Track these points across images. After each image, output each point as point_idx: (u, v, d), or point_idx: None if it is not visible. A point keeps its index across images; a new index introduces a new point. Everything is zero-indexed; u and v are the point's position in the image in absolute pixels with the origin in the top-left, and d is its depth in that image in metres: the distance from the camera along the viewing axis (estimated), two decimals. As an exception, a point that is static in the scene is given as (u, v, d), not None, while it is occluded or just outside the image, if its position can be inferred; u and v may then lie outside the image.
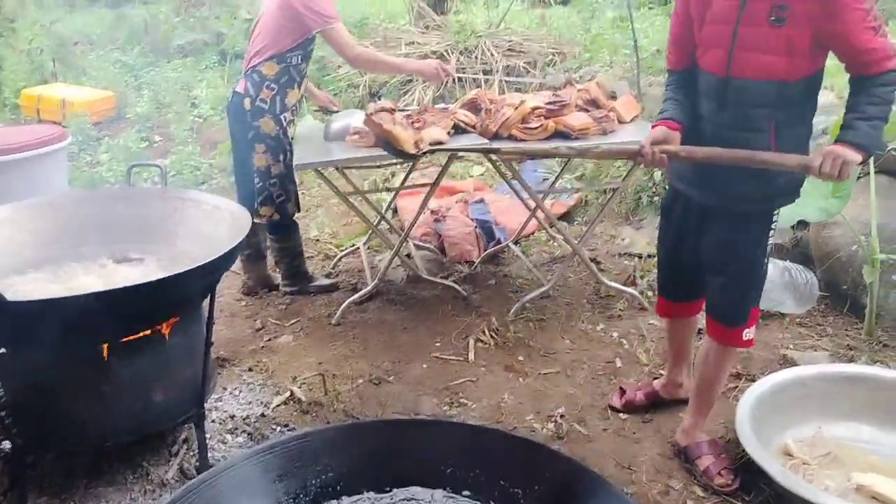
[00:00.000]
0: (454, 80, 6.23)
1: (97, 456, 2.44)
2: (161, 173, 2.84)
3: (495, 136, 3.35)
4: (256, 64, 3.43)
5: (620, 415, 2.82)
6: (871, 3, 1.99)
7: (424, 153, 3.07)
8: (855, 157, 1.99)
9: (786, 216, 3.16)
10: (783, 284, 3.38)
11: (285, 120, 3.50)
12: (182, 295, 2.14)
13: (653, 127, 2.31)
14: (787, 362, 3.05)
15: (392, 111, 3.06)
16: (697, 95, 2.28)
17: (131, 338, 2.17)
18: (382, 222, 4.26)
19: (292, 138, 3.55)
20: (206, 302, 2.40)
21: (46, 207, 2.67)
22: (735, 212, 2.27)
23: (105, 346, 2.15)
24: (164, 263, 2.48)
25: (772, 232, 2.29)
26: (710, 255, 2.36)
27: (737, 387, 2.92)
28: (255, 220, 3.60)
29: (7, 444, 2.41)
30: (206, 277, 2.20)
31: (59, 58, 8.17)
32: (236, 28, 8.68)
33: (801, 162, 2.06)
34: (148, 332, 2.19)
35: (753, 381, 2.80)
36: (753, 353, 3.16)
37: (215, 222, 2.56)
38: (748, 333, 2.37)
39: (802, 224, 3.45)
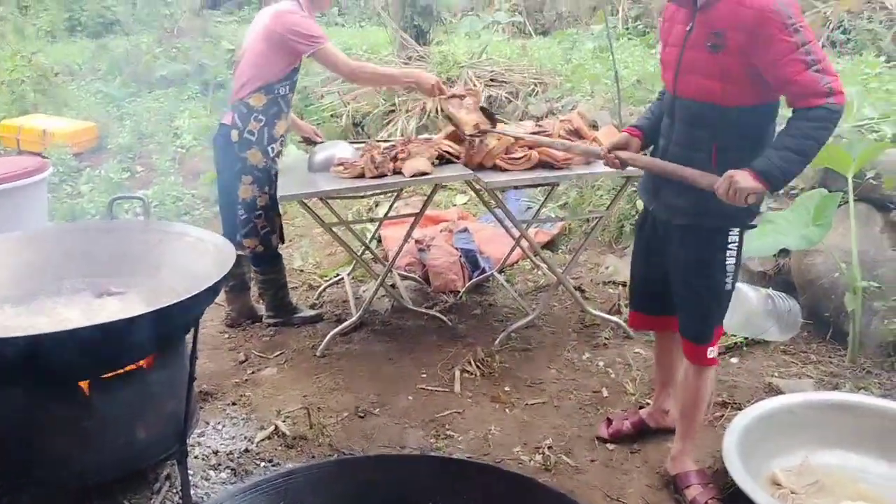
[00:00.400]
0: (423, 107, 6.28)
1: (78, 494, 2.39)
2: (144, 205, 2.81)
3: (479, 167, 3.37)
4: (244, 96, 3.43)
5: (608, 445, 2.80)
6: (807, 38, 2.02)
7: (480, 134, 3.33)
8: (752, 184, 2.07)
9: (767, 245, 3.21)
10: (766, 312, 3.39)
11: (273, 151, 3.50)
12: (165, 329, 2.10)
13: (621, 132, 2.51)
14: (773, 390, 3.06)
15: (462, 97, 3.42)
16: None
17: (113, 374, 2.13)
18: (367, 252, 4.26)
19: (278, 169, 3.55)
20: (190, 335, 2.37)
21: (27, 241, 2.64)
22: (690, 228, 2.32)
23: (86, 382, 2.11)
24: (147, 297, 2.44)
25: (730, 252, 2.31)
26: (672, 272, 2.43)
27: (723, 415, 2.92)
28: (239, 252, 3.59)
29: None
30: (189, 311, 2.17)
31: (41, 89, 8.13)
32: (218, 59, 8.70)
33: (710, 182, 2.15)
34: (130, 367, 2.16)
35: (740, 409, 2.80)
36: (739, 380, 3.17)
37: (199, 255, 2.53)
38: (711, 352, 2.40)
39: (784, 252, 3.48)
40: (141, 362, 2.18)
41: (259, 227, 3.55)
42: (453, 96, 3.42)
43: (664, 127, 2.38)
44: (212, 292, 2.21)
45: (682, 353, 2.65)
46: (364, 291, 4.18)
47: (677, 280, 2.41)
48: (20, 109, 7.99)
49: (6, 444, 2.20)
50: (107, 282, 2.57)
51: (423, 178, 3.30)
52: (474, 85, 6.45)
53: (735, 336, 3.43)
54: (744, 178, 2.07)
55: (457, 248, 4.42)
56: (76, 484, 2.23)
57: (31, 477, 2.23)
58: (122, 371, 2.15)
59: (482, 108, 3.49)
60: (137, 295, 2.47)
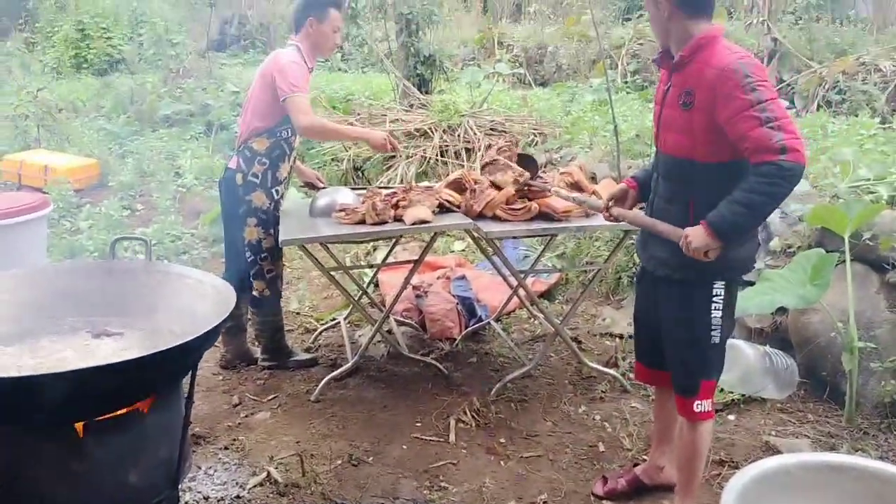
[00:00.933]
0: (423, 154, 6.36)
1: (63, 539, 2.34)
2: (146, 246, 2.82)
3: (479, 216, 3.39)
4: (248, 140, 3.48)
5: (604, 502, 2.77)
6: (764, 96, 2.09)
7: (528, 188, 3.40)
8: (705, 240, 2.17)
9: (764, 302, 3.22)
10: (764, 370, 3.39)
11: (277, 193, 3.54)
12: (164, 372, 2.09)
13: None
14: (770, 449, 3.04)
15: (495, 161, 3.54)
16: None
17: (108, 416, 2.11)
18: (364, 297, 4.26)
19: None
20: (186, 378, 2.36)
21: (26, 278, 2.64)
22: (673, 281, 2.37)
23: (81, 424, 2.08)
24: (145, 338, 2.44)
25: (715, 305, 2.33)
26: (663, 325, 2.46)
27: (720, 474, 2.90)
28: (251, 293, 3.60)
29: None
30: (188, 355, 2.16)
31: (45, 124, 8.19)
32: (223, 100, 8.81)
33: (677, 235, 2.26)
34: (126, 410, 2.14)
35: (737, 468, 2.78)
36: (736, 438, 3.15)
37: (199, 297, 2.53)
38: (699, 405, 2.40)
39: (782, 310, 3.50)
40: (138, 405, 2.16)
41: (265, 271, 3.58)
42: (488, 164, 3.51)
43: (653, 181, 2.47)
44: (211, 335, 2.20)
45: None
46: (360, 336, 4.17)
47: (665, 332, 2.46)
48: (22, 144, 8.05)
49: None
50: (105, 322, 2.56)
51: (423, 225, 3.32)
52: (474, 134, 6.54)
53: (732, 393, 3.42)
54: (697, 235, 2.18)
55: (454, 296, 4.42)
56: (64, 529, 2.18)
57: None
58: (117, 413, 2.12)
59: (521, 155, 3.56)
60: (135, 336, 2.46)
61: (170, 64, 10.50)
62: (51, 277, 2.69)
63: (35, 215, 4.38)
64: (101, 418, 2.12)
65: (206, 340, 2.18)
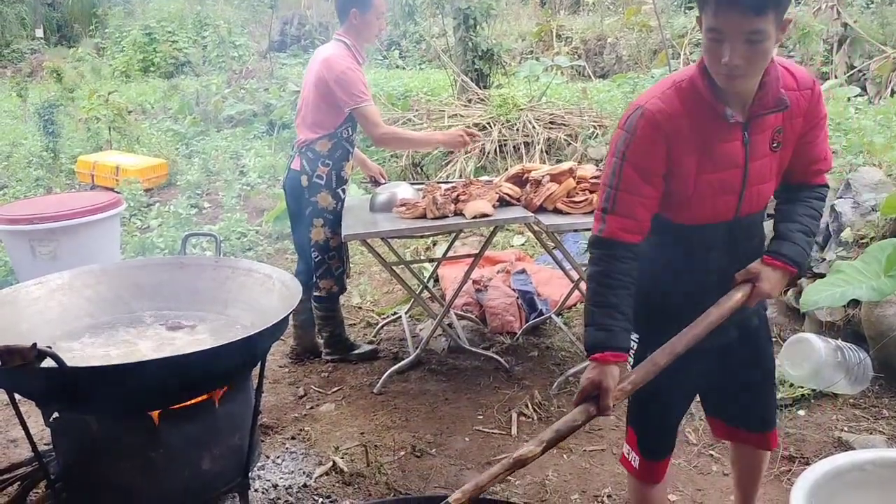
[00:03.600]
0: (482, 148, 6.35)
1: (141, 523, 2.44)
2: (215, 242, 2.91)
3: (540, 210, 3.38)
4: (310, 142, 3.52)
5: (671, 496, 2.73)
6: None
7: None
8: (783, 278, 1.90)
9: (836, 295, 3.12)
10: (835, 364, 3.29)
11: (343, 193, 3.59)
12: (236, 363, 2.16)
13: (602, 360, 1.81)
14: (843, 445, 2.95)
15: None
16: (680, 254, 1.95)
17: (183, 405, 2.19)
18: (424, 291, 4.29)
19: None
20: (256, 369, 2.43)
21: (102, 274, 2.75)
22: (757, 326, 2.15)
23: (156, 412, 2.17)
24: (216, 331, 2.52)
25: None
26: (740, 375, 2.18)
27: (790, 470, 2.83)
28: (316, 294, 3.67)
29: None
30: (259, 345, 2.23)
31: (115, 126, 8.49)
32: (284, 100, 8.96)
33: (745, 294, 1.89)
34: (200, 399, 2.22)
35: (807, 464, 2.71)
36: (806, 434, 3.07)
37: (266, 291, 2.61)
38: (627, 450, 2.21)
39: (854, 302, 3.39)
40: (210, 394, 2.23)
41: (334, 268, 3.65)
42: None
43: (714, 262, 1.94)
44: (281, 327, 2.26)
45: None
46: (421, 330, 4.21)
47: (742, 379, 2.21)
48: (95, 146, 8.36)
49: (75, 470, 2.27)
50: (178, 315, 2.66)
51: (484, 219, 3.33)
52: (533, 128, 6.51)
53: (802, 388, 3.33)
54: (774, 279, 1.88)
55: (514, 290, 4.42)
56: (142, 513, 2.28)
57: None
58: (191, 402, 2.20)
59: None
60: (207, 329, 2.55)
61: (233, 65, 10.77)
62: (127, 273, 2.80)
63: (109, 214, 4.55)
64: (175, 407, 2.20)
65: (276, 332, 2.24)
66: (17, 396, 2.16)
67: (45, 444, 2.59)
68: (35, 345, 1.87)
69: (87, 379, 1.92)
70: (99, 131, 8.57)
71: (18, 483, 2.60)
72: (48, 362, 1.89)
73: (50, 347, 1.91)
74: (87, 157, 7.62)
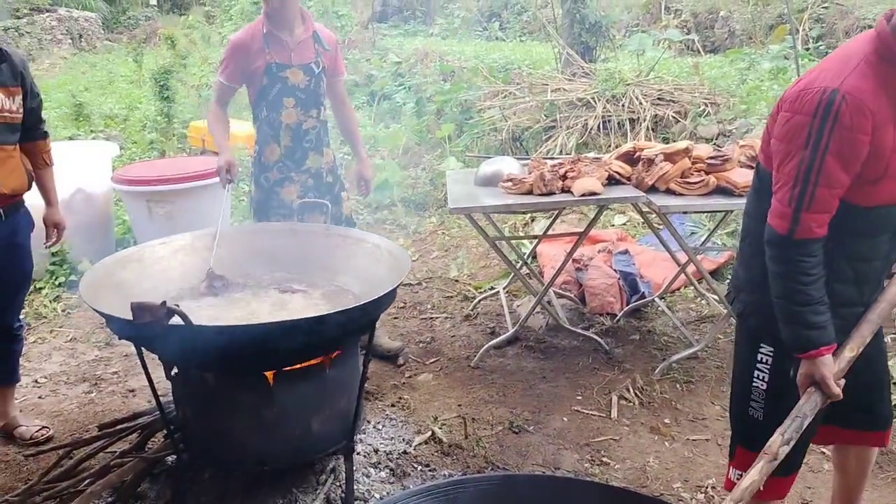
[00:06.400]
0: (584, 123, 6.15)
1: (251, 479, 2.54)
2: (327, 210, 2.97)
3: (651, 190, 3.29)
4: None
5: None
6: None
7: None
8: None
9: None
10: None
11: (266, 181, 3.42)
12: (350, 328, 2.20)
13: (818, 355, 1.77)
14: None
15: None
16: (850, 238, 1.81)
17: (297, 367, 2.25)
18: (523, 267, 4.26)
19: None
20: (364, 337, 2.47)
21: (220, 237, 2.84)
22: (741, 315, 2.10)
23: (271, 373, 2.24)
24: (327, 297, 2.57)
25: (759, 370, 1.98)
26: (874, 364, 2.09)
27: (911, 475, 2.68)
28: None
29: (172, 459, 2.56)
30: (371, 313, 2.26)
31: (224, 93, 8.74)
32: (385, 70, 9.04)
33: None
34: (313, 362, 2.27)
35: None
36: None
37: (374, 260, 2.64)
38: (733, 473, 2.12)
39: None
40: (323, 358, 2.29)
41: None
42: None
43: (876, 248, 1.84)
44: (390, 297, 2.28)
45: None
46: (518, 306, 4.19)
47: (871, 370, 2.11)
48: (205, 112, 8.64)
49: (198, 424, 2.38)
50: (290, 279, 2.73)
51: (592, 197, 3.26)
52: (640, 104, 6.32)
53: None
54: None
55: (616, 270, 4.33)
56: (253, 468, 2.37)
57: (213, 457, 2.40)
58: (304, 365, 2.26)
59: None
60: (319, 294, 2.60)
61: (336, 35, 10.88)
62: (243, 237, 2.90)
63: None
64: (289, 369, 2.27)
65: (387, 301, 2.27)
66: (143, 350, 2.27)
67: (163, 397, 2.73)
68: (164, 303, 1.95)
69: (211, 337, 1.99)
70: (209, 98, 8.84)
71: (139, 431, 2.75)
72: (175, 319, 1.97)
73: (178, 305, 1.99)
74: (198, 123, 7.89)
